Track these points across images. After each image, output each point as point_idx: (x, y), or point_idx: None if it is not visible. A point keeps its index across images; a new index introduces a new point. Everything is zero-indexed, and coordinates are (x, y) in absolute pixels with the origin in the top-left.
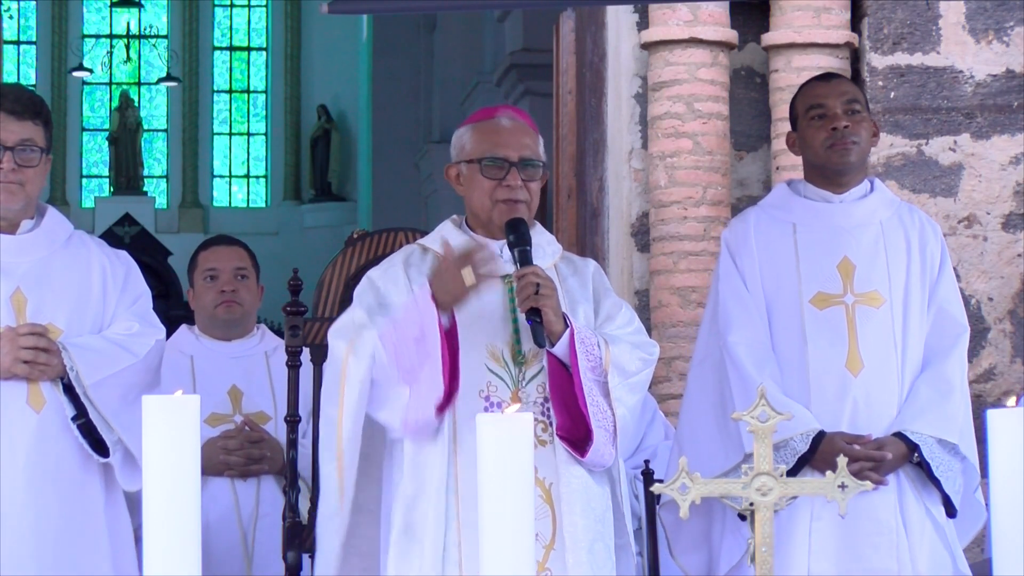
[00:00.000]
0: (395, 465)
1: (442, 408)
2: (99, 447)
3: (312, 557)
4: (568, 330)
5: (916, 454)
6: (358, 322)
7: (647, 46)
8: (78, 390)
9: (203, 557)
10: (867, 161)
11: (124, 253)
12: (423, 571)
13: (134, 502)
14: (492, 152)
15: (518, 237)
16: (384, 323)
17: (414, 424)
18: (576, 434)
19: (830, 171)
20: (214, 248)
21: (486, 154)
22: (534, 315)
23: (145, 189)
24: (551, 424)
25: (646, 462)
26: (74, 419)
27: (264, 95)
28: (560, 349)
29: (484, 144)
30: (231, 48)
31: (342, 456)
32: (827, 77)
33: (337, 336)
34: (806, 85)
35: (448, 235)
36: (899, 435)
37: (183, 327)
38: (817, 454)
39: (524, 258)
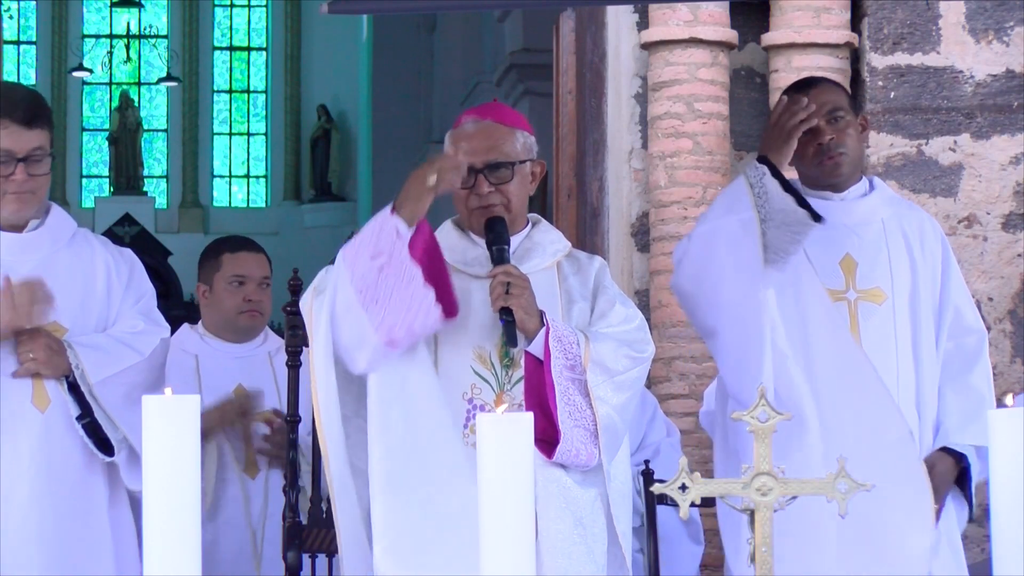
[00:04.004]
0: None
1: (448, 309)
2: (104, 446)
3: (312, 557)
4: (543, 328)
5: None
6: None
7: (647, 46)
8: (83, 388)
9: (213, 558)
10: (861, 161)
11: (128, 251)
12: (398, 571)
13: (139, 501)
14: None
15: (495, 236)
16: (347, 245)
17: (406, 336)
18: (550, 435)
19: (824, 184)
20: (243, 254)
21: None
22: (505, 314)
23: (145, 189)
24: None
25: (646, 462)
26: (79, 418)
27: (264, 95)
28: (535, 347)
29: (451, 152)
30: (231, 48)
31: (322, 429)
32: (806, 85)
33: (305, 295)
34: (786, 95)
35: (446, 236)
36: (944, 449)
37: (185, 326)
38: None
39: (499, 257)
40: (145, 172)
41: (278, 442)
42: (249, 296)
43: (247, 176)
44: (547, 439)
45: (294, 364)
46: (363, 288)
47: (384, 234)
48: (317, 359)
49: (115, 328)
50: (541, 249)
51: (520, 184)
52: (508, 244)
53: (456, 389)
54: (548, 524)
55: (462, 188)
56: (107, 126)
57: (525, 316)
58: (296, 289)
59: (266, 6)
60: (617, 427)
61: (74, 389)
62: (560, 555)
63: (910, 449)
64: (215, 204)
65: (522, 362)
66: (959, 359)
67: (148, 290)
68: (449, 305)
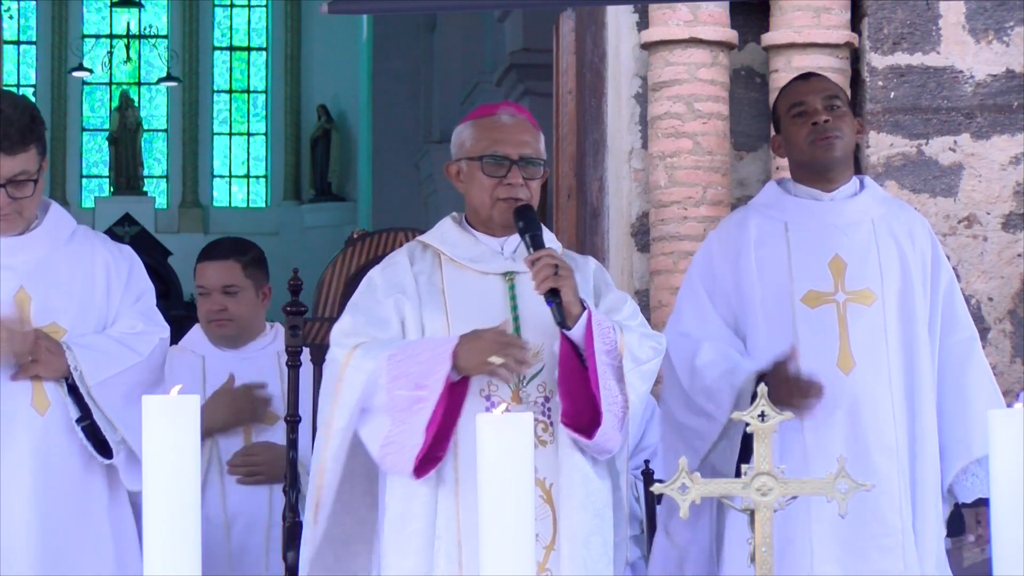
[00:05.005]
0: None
1: (422, 468)
2: (103, 448)
3: None
4: (585, 312)
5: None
6: (355, 335)
7: (647, 46)
8: (81, 390)
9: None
10: (852, 158)
11: (128, 248)
12: (420, 571)
13: (138, 503)
14: (493, 149)
15: (527, 223)
16: (397, 348)
17: (391, 470)
18: (580, 421)
19: (816, 167)
20: (204, 263)
21: (486, 151)
22: (553, 296)
23: (145, 189)
24: (552, 424)
25: (646, 462)
26: (78, 421)
27: (264, 95)
28: (577, 331)
29: (484, 141)
30: (231, 48)
31: (323, 473)
32: (806, 76)
33: (338, 346)
34: (786, 86)
35: (448, 232)
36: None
37: (196, 327)
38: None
39: (536, 242)
40: (145, 172)
41: (252, 463)
42: (211, 306)
43: (247, 176)
44: (575, 425)
45: (294, 364)
46: (394, 406)
47: (434, 374)
48: (338, 419)
49: (114, 328)
50: None
51: (538, 185)
52: (540, 230)
53: (474, 386)
54: (572, 513)
55: (491, 177)
56: (107, 126)
57: (572, 298)
58: (296, 289)
59: (266, 6)
60: (637, 416)
61: (73, 391)
62: (580, 545)
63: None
64: (215, 204)
65: (555, 348)
66: (952, 362)
67: (147, 288)
68: (431, 459)
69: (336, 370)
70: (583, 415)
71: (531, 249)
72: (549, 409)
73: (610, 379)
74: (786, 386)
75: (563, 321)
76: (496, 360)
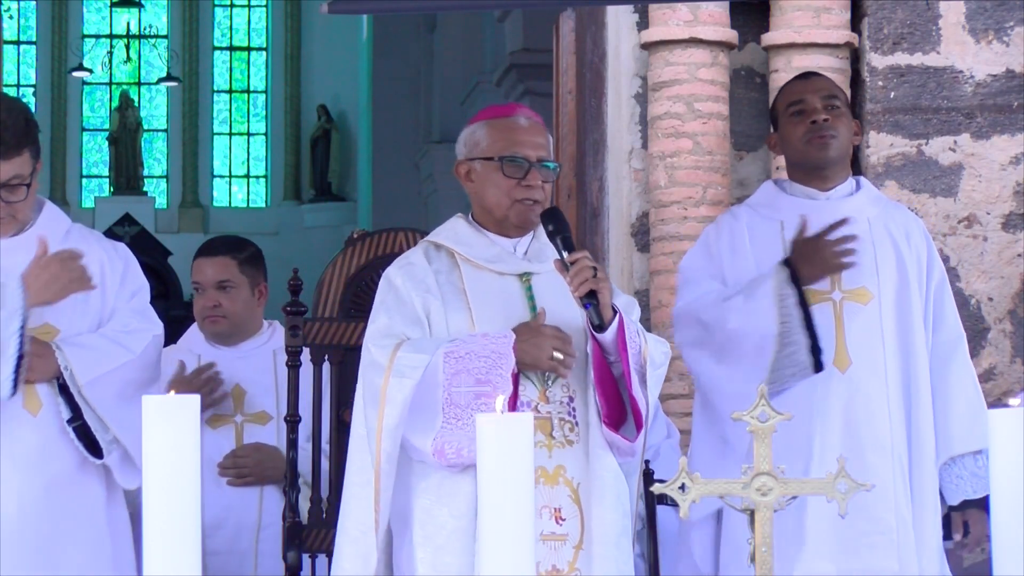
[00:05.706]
0: (413, 464)
1: None
2: (94, 448)
3: (312, 558)
4: (617, 316)
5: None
6: (393, 335)
7: (647, 46)
8: (72, 390)
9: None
10: (849, 158)
11: (122, 245)
12: (449, 570)
13: (133, 501)
14: (512, 151)
15: (556, 225)
16: (452, 345)
17: (454, 457)
18: (612, 422)
19: (810, 165)
20: (200, 260)
21: (505, 152)
22: (591, 298)
23: (145, 189)
24: (577, 424)
25: (646, 462)
26: (70, 422)
27: (264, 95)
28: (609, 335)
29: (502, 142)
30: (231, 48)
31: (379, 478)
32: (806, 75)
33: (377, 347)
34: (786, 84)
35: (462, 233)
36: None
37: (194, 326)
38: (796, 265)
39: (568, 244)
40: (145, 172)
41: (239, 465)
42: (205, 302)
43: (247, 176)
44: (613, 427)
45: (294, 364)
46: (451, 402)
47: (498, 370)
48: (388, 418)
49: (107, 327)
50: (543, 254)
51: (551, 189)
52: (570, 232)
53: None
54: (603, 514)
55: (510, 178)
56: (107, 126)
57: (608, 302)
58: (296, 289)
59: (266, 6)
60: (651, 419)
61: (65, 391)
62: (611, 545)
63: None
64: (215, 204)
65: (589, 349)
66: (934, 362)
67: (143, 285)
68: None
69: (380, 371)
70: (613, 416)
71: (563, 251)
72: (574, 409)
73: (637, 382)
74: (815, 245)
75: (601, 324)
76: (559, 356)
